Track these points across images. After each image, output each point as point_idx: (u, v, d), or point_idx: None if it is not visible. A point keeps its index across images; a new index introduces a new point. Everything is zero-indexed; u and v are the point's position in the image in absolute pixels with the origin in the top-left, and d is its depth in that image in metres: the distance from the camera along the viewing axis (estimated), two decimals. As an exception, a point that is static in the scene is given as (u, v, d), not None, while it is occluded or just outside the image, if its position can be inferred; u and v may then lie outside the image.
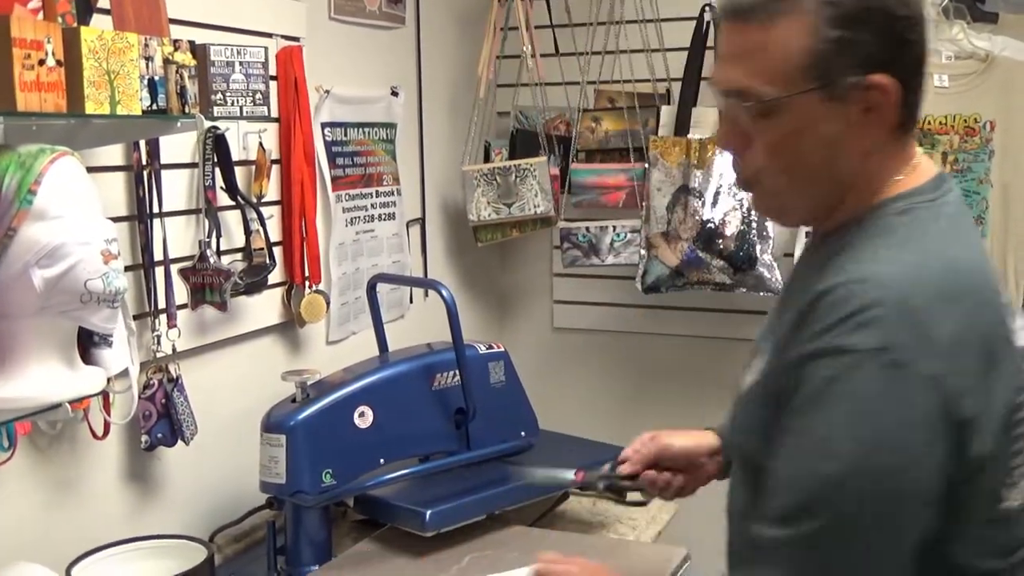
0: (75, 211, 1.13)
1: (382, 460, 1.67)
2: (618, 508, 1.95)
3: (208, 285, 1.63)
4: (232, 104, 1.39)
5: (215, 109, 1.36)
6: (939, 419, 0.95)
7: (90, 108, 1.14)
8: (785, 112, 1.03)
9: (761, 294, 2.26)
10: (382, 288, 2.20)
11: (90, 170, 1.23)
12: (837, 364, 0.96)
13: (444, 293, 1.72)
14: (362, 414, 1.65)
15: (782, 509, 0.99)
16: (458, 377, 1.74)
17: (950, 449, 0.95)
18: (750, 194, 1.16)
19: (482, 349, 1.83)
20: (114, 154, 1.55)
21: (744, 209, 2.22)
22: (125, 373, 1.43)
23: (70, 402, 1.19)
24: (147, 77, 1.22)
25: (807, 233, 2.28)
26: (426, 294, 2.39)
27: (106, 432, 1.50)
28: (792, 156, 1.06)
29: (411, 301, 2.36)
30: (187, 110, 1.30)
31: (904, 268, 1.00)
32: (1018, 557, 1.04)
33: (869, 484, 0.95)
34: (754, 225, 2.21)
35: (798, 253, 2.27)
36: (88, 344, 1.34)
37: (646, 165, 2.34)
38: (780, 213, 1.18)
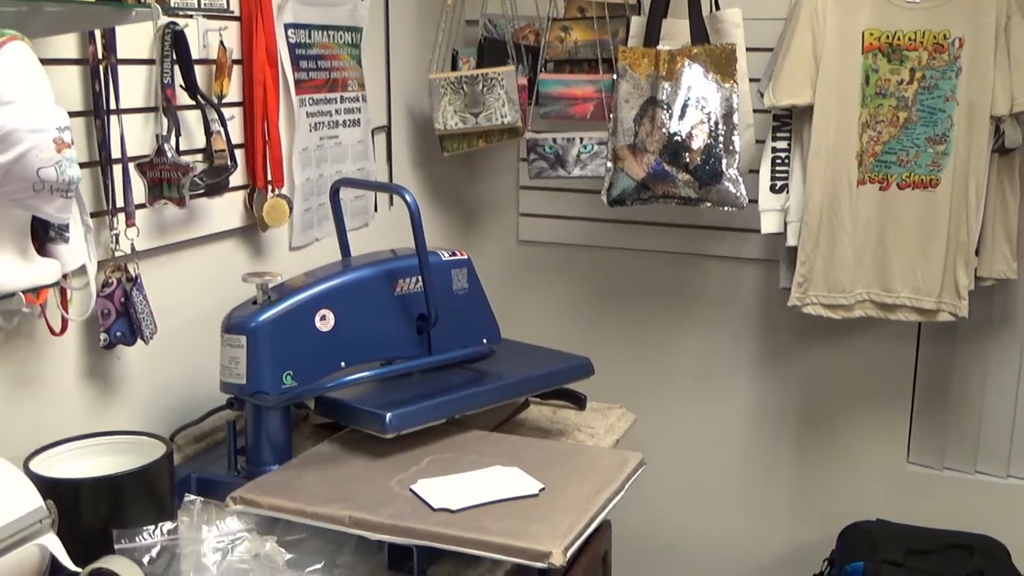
0: (26, 97, 1.11)
1: (343, 363, 1.67)
2: (577, 416, 1.98)
3: (166, 180, 1.61)
4: (190, -5, 1.36)
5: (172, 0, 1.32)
6: None
7: (41, -9, 1.11)
8: None
9: (726, 209, 2.26)
10: (346, 196, 2.18)
11: (44, 62, 1.20)
12: None
13: (407, 198, 1.71)
14: (323, 317, 1.65)
15: None
16: (420, 283, 1.74)
17: None
18: None
19: (445, 256, 1.83)
20: (69, 46, 1.51)
21: (711, 123, 2.21)
22: (83, 270, 1.42)
23: (24, 292, 1.18)
24: (100, -38, 1.19)
25: (772, 148, 2.29)
26: (391, 201, 2.38)
27: (64, 328, 1.50)
28: None
29: (375, 209, 2.35)
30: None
31: None
32: None
33: None
34: (720, 139, 2.21)
35: (763, 170, 2.28)
36: (44, 239, 1.33)
37: (614, 76, 2.32)
38: None
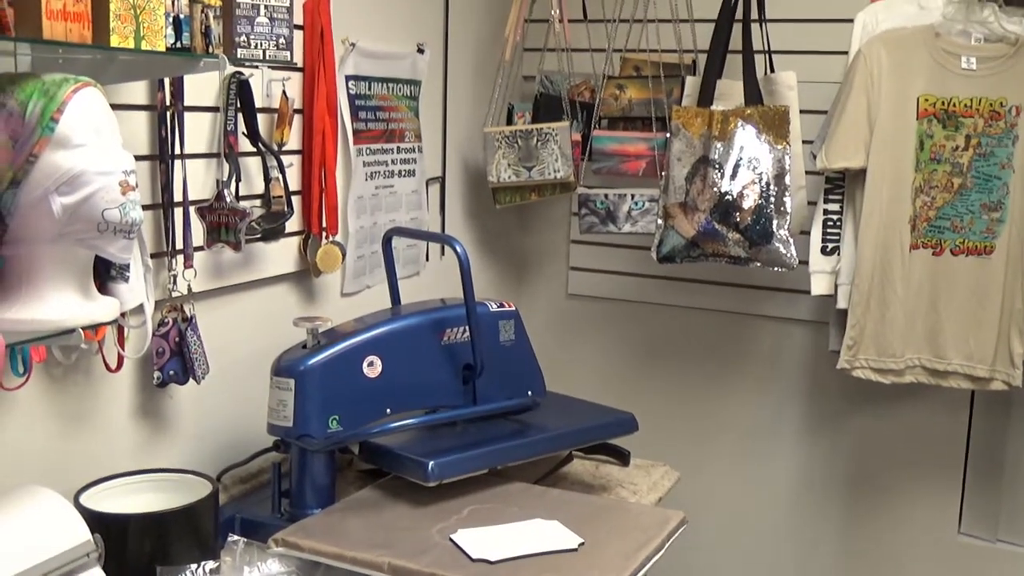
0: (96, 141, 1.15)
1: (389, 410, 1.69)
2: (621, 472, 1.97)
3: (224, 224, 1.65)
4: (255, 47, 1.41)
5: (238, 51, 1.37)
6: None
7: (115, 41, 1.16)
8: None
9: (775, 270, 2.26)
10: (399, 244, 2.22)
11: (114, 107, 1.25)
12: None
13: (458, 248, 1.73)
14: (371, 363, 1.68)
15: None
16: (468, 333, 1.76)
17: None
18: None
19: (493, 307, 1.85)
20: (138, 93, 1.57)
21: (762, 183, 2.21)
22: (140, 309, 1.46)
23: (84, 329, 1.22)
24: (172, 14, 1.24)
25: (824, 210, 2.28)
26: (442, 252, 2.41)
27: (119, 366, 1.53)
28: None
29: (427, 259, 2.38)
30: (211, 50, 1.31)
31: None
32: None
33: None
34: (772, 200, 2.21)
35: (815, 232, 2.28)
36: (105, 278, 1.37)
37: (667, 135, 2.34)
38: None
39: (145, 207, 1.54)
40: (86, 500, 1.39)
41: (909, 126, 2.17)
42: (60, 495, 1.28)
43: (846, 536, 2.62)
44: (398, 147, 2.20)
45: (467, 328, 1.76)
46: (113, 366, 1.53)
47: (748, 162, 2.23)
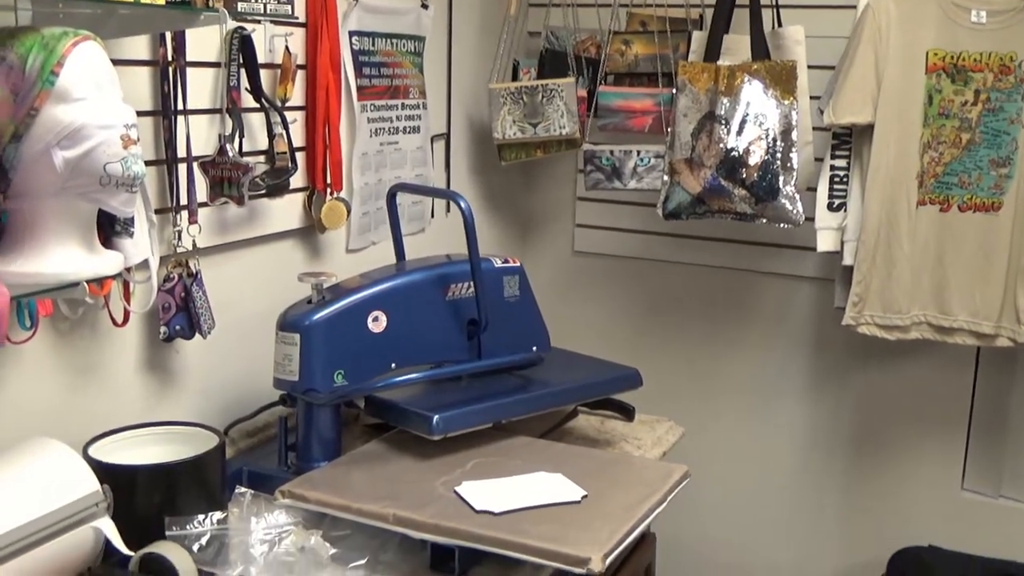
0: (96, 94, 1.15)
1: (394, 365, 1.70)
2: (625, 428, 1.99)
3: (227, 179, 1.65)
4: (256, 1, 1.40)
5: (239, 4, 1.37)
6: None
7: (114, -7, 1.16)
8: None
9: (781, 226, 2.25)
10: (403, 201, 2.22)
11: (116, 62, 1.25)
12: None
13: (462, 203, 1.73)
14: (376, 318, 1.68)
15: None
16: (472, 288, 1.76)
17: None
18: None
19: (498, 263, 1.85)
20: (140, 48, 1.56)
21: (769, 139, 2.20)
22: (145, 265, 1.47)
23: (88, 283, 1.23)
24: (172, -33, 1.23)
25: (831, 166, 2.27)
26: (447, 209, 2.41)
27: (125, 320, 1.55)
28: None
29: (432, 215, 2.38)
30: (211, 4, 1.31)
31: None
32: None
33: None
34: (778, 156, 2.20)
35: (821, 188, 2.27)
36: (110, 233, 1.38)
37: (674, 90, 2.32)
38: None
39: (148, 163, 1.54)
40: (94, 452, 1.41)
41: (917, 81, 2.15)
42: (68, 446, 1.29)
43: (850, 492, 2.63)
44: (402, 103, 2.19)
45: (472, 283, 1.76)
46: (119, 321, 1.54)
47: (755, 118, 2.21)
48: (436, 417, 1.61)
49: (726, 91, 2.23)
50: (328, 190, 1.96)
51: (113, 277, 1.31)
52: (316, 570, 1.35)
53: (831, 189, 2.27)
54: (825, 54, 2.31)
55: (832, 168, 2.27)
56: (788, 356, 2.64)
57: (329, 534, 1.44)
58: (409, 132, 2.23)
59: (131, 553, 1.23)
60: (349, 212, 2.01)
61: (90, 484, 1.26)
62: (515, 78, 2.49)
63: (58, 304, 1.46)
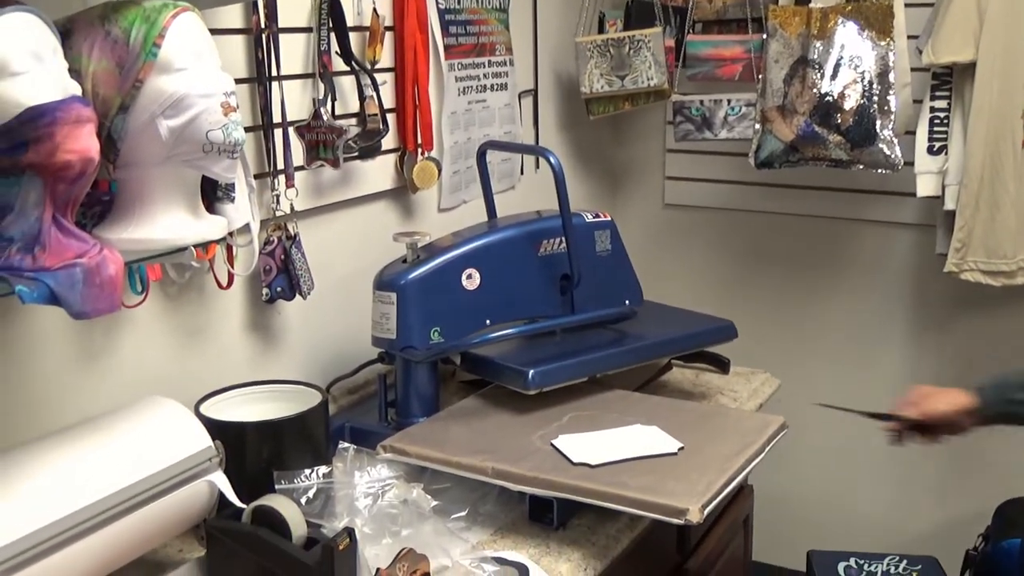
0: (197, 64, 1.18)
1: (488, 321, 1.72)
2: (720, 380, 1.98)
3: (322, 142, 1.68)
4: (345, -36, 1.41)
5: (328, -31, 1.38)
6: None
7: (209, -36, 1.18)
8: None
9: (879, 172, 2.20)
10: (493, 159, 2.23)
11: (212, 32, 1.28)
12: None
13: (552, 159, 1.73)
14: (470, 276, 1.70)
15: None
16: (564, 244, 1.77)
17: None
18: None
19: (589, 217, 1.85)
20: (234, 17, 1.60)
21: (865, 82, 2.14)
22: (247, 229, 1.51)
23: (195, 247, 1.27)
24: (263, -65, 1.25)
25: (931, 108, 2.20)
26: (537, 165, 2.41)
27: (230, 283, 1.60)
28: None
29: (522, 172, 2.38)
30: (302, -31, 1.32)
31: None
32: None
33: None
34: (875, 99, 2.14)
35: (920, 131, 2.20)
36: (212, 198, 1.42)
37: (764, 36, 2.27)
38: None
39: (246, 129, 1.57)
40: (205, 409, 1.46)
41: (1022, 14, 2.06)
42: (182, 404, 1.35)
43: (951, 442, 2.58)
44: (489, 60, 2.19)
45: (563, 239, 1.77)
46: (224, 284, 1.59)
47: (849, 60, 2.15)
48: (531, 372, 1.63)
49: (819, 34, 2.18)
50: (419, 150, 1.98)
51: (217, 241, 1.35)
52: (419, 521, 1.39)
53: (931, 132, 2.20)
54: (923, -8, 2.23)
55: (932, 110, 2.20)
56: (887, 305, 2.59)
57: (430, 487, 1.47)
58: (497, 89, 2.23)
59: (243, 505, 1.28)
60: (440, 171, 2.02)
61: (203, 440, 1.31)
62: (601, 30, 2.47)
63: (166, 269, 1.52)
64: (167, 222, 1.23)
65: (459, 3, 2.09)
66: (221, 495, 1.30)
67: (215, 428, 1.36)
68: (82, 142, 1.03)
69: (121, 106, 1.16)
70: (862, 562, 2.35)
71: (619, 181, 2.85)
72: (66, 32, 1.17)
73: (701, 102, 2.39)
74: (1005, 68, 2.08)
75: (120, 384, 1.49)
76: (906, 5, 2.18)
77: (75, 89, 1.09)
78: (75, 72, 1.14)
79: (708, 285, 2.77)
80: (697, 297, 2.61)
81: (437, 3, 2.02)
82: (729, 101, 2.36)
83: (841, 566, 2.34)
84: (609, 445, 1.50)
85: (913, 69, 2.23)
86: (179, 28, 1.17)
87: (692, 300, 2.25)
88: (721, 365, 2.02)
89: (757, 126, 2.30)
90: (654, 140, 2.77)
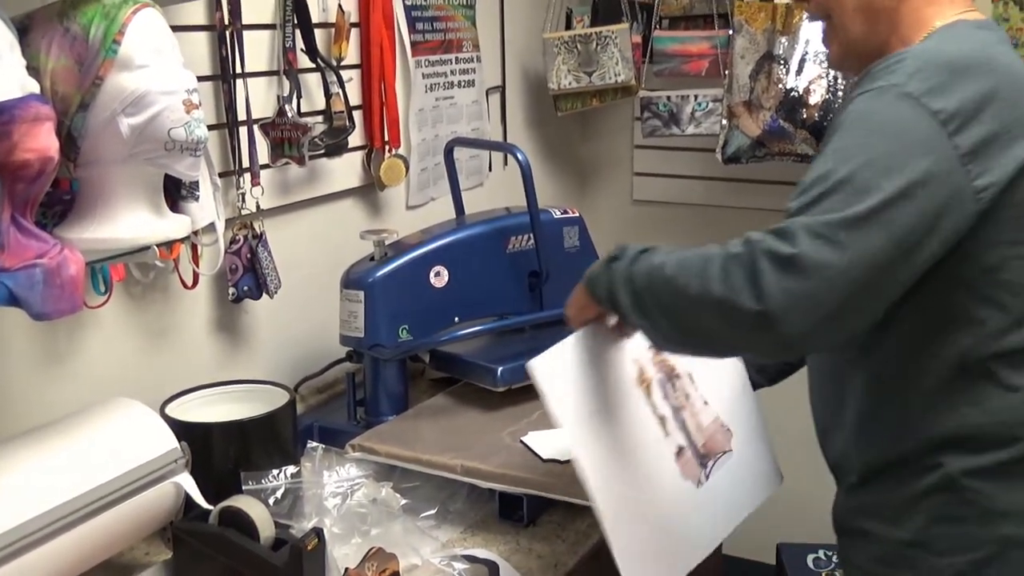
0: (158, 61, 1.17)
1: (457, 318, 1.72)
2: (689, 374, 1.98)
3: (287, 140, 1.67)
4: (309, -40, 1.40)
5: (292, -36, 1.37)
6: (937, 140, 1.06)
7: (170, -41, 1.17)
8: None
9: (844, 166, 2.21)
10: (461, 155, 2.22)
11: (175, 28, 1.26)
12: (864, 97, 1.11)
13: (519, 156, 1.73)
14: (438, 273, 1.70)
15: (798, 203, 1.10)
16: (532, 240, 1.77)
17: (951, 176, 1.06)
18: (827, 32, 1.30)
19: (557, 214, 1.85)
20: (198, 13, 1.58)
21: (830, 77, 2.16)
22: (212, 227, 1.50)
23: (158, 246, 1.26)
24: (225, -70, 1.24)
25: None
26: (505, 162, 2.41)
27: (195, 283, 1.58)
28: None
29: (490, 169, 2.38)
30: (264, -35, 1.31)
31: (939, 44, 1.15)
32: None
33: (873, 174, 1.04)
34: (840, 94, 2.16)
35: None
36: (176, 197, 1.41)
37: (730, 32, 2.28)
38: (843, 49, 1.28)
39: (210, 127, 1.56)
40: (171, 410, 1.45)
41: (984, 9, 2.09)
42: (146, 406, 1.34)
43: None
44: (456, 57, 2.19)
45: (532, 236, 1.77)
46: (189, 283, 1.57)
47: (814, 56, 2.17)
48: (500, 369, 1.63)
49: (784, 30, 2.19)
50: (386, 147, 1.97)
51: (181, 240, 1.34)
52: (388, 520, 1.38)
53: (895, 127, 2.22)
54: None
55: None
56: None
57: (399, 486, 1.47)
58: (464, 86, 2.22)
59: (210, 507, 1.27)
60: (407, 169, 2.02)
61: (169, 442, 1.30)
62: (568, 27, 2.47)
63: (130, 269, 1.50)
64: (129, 221, 1.21)
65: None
66: (188, 497, 1.29)
67: (181, 429, 1.35)
68: (41, 140, 1.02)
69: (81, 104, 1.15)
70: (831, 553, 2.37)
71: (587, 177, 2.85)
72: (24, 29, 1.16)
73: (668, 98, 2.40)
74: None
75: (84, 386, 1.47)
76: (870, 1, 2.20)
77: (33, 87, 1.07)
78: (33, 70, 1.12)
79: (677, 280, 2.78)
80: (666, 292, 2.62)
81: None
82: (696, 97, 2.37)
83: (810, 558, 2.35)
84: (578, 441, 1.50)
85: (877, 64, 2.25)
86: (139, 24, 1.16)
87: (661, 295, 2.25)
88: (690, 360, 2.03)
89: (724, 122, 2.31)
90: (622, 136, 2.78)
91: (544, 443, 1.49)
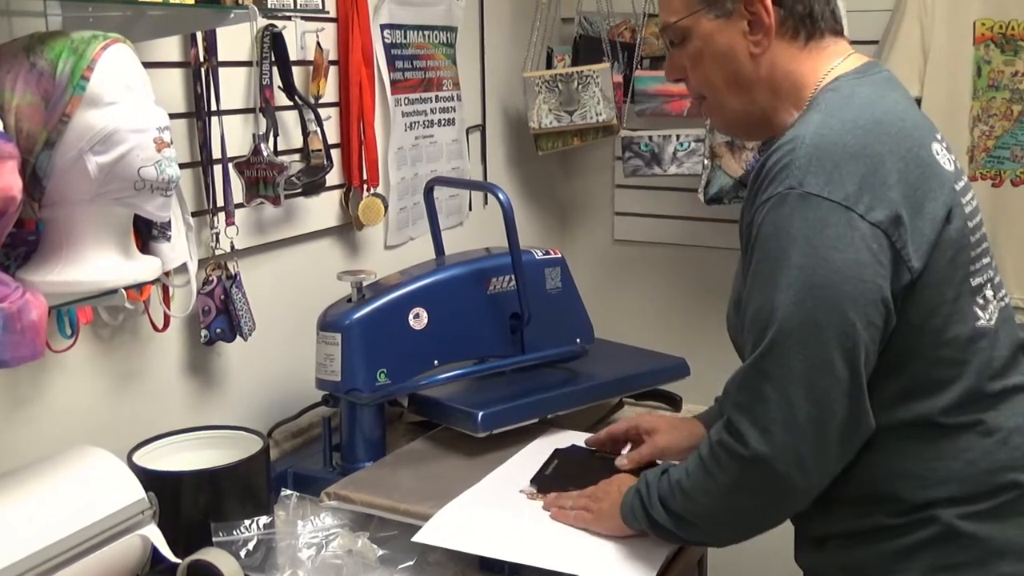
0: (128, 98, 1.13)
1: (436, 362, 1.68)
2: (673, 418, 1.95)
3: (262, 179, 1.63)
4: (286, -3, 1.38)
5: (269, 1, 1.34)
6: (850, 229, 1.09)
7: (143, -6, 1.14)
8: (691, 34, 1.25)
9: (827, 207, 2.20)
10: (441, 194, 2.19)
11: (147, 65, 1.23)
12: (768, 208, 1.14)
13: (501, 196, 1.70)
14: (417, 315, 1.66)
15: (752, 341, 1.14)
16: (514, 282, 1.74)
17: (875, 257, 1.10)
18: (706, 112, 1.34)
19: (539, 255, 1.82)
20: (172, 50, 1.55)
21: (813, 118, 2.15)
22: (184, 268, 1.45)
23: (126, 289, 1.21)
24: (199, -34, 1.21)
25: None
26: (485, 200, 2.38)
27: (166, 325, 1.53)
28: (708, 69, 1.26)
29: (470, 209, 2.35)
30: (240, 1, 1.29)
31: (824, 124, 1.15)
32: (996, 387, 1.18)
33: (802, 292, 1.10)
34: (822, 135, 2.15)
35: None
36: (147, 238, 1.37)
37: (712, 72, 2.27)
38: (727, 124, 1.35)
39: (184, 165, 1.53)
40: (139, 459, 1.40)
41: (965, 52, 2.09)
42: (113, 454, 1.29)
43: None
44: (436, 96, 2.16)
45: (513, 277, 1.73)
46: (160, 326, 1.53)
47: (796, 97, 2.16)
48: (481, 414, 1.59)
49: (766, 71, 2.18)
50: (364, 186, 1.94)
51: (152, 282, 1.30)
52: (365, 572, 1.34)
53: (878, 168, 2.21)
54: (868, 28, 2.25)
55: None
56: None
57: (376, 535, 1.42)
58: (444, 125, 2.20)
59: (178, 560, 1.22)
60: (386, 208, 1.98)
61: (135, 492, 1.25)
62: (549, 66, 2.46)
63: (98, 311, 1.46)
64: (97, 263, 1.17)
65: (405, 37, 2.06)
66: (155, 550, 1.24)
67: (149, 478, 1.30)
68: (3, 179, 0.98)
69: (47, 141, 1.11)
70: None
71: (569, 217, 2.83)
72: (-12, 64, 1.12)
73: (650, 138, 2.38)
74: (949, 106, 2.10)
75: (48, 433, 1.42)
76: (852, 42, 2.19)
77: None
78: (-3, 106, 1.09)
79: (660, 321, 2.75)
80: (649, 333, 2.59)
81: (383, 37, 1.99)
82: (678, 137, 2.36)
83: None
84: (561, 489, 1.46)
85: (859, 105, 2.25)
86: (109, 60, 1.12)
87: (644, 336, 2.22)
88: (673, 403, 1.99)
89: (706, 162, 2.29)
90: (603, 176, 2.76)
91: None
